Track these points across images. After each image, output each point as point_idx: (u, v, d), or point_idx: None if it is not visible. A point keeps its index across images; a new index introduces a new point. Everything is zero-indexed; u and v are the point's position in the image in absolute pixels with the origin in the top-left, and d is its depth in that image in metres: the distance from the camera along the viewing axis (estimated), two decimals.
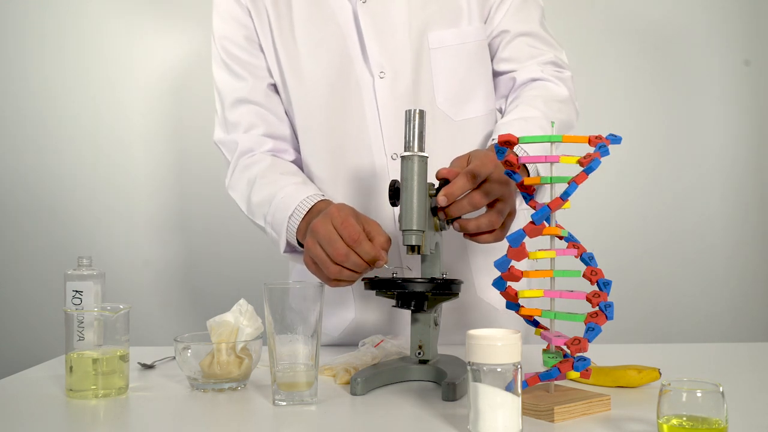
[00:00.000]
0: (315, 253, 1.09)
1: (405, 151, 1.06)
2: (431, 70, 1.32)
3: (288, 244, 1.25)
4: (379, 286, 1.06)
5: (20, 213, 2.33)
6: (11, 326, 2.33)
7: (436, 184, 1.08)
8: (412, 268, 1.21)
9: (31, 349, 2.07)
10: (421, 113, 1.06)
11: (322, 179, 1.35)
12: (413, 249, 1.06)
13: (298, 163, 1.40)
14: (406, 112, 1.07)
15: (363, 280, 1.08)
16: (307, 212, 1.21)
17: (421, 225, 1.04)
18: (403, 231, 1.05)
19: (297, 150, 1.41)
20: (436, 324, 1.10)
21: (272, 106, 1.38)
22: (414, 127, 1.06)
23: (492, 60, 1.39)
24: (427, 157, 1.06)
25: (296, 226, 1.21)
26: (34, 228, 2.33)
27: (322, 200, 1.23)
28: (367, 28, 1.30)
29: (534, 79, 1.35)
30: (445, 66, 1.32)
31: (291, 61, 1.34)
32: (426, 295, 1.05)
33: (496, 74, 1.40)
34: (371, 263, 1.07)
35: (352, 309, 1.39)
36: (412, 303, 1.05)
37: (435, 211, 1.08)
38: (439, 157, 1.17)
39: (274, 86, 1.39)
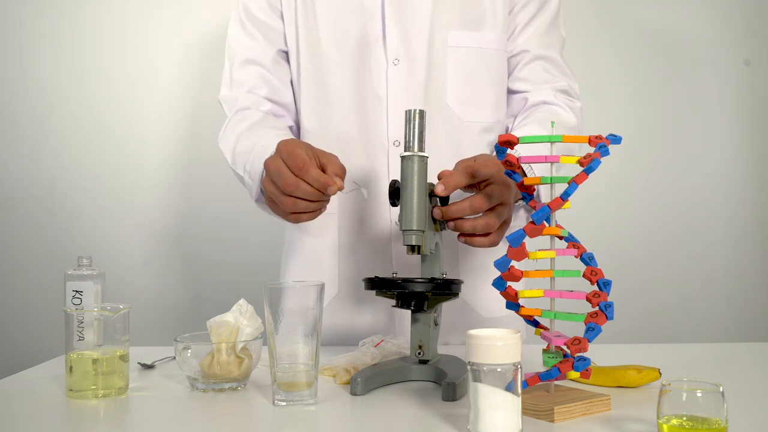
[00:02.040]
0: (269, 190, 1.09)
1: (405, 151, 1.06)
2: (445, 68, 1.33)
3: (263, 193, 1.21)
4: (379, 286, 1.06)
5: (20, 213, 2.33)
6: (11, 326, 2.32)
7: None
8: (366, 191, 1.16)
9: (30, 350, 2.07)
10: (421, 113, 1.06)
11: None
12: (413, 249, 1.05)
13: (294, 131, 1.41)
14: (405, 112, 1.07)
15: (363, 280, 1.08)
16: None
17: (421, 225, 1.04)
18: (403, 231, 1.05)
19: (294, 120, 1.42)
20: (436, 324, 1.09)
21: (278, 72, 1.40)
22: (414, 127, 1.06)
23: (508, 77, 1.40)
24: (427, 157, 1.06)
25: None
26: (35, 228, 2.33)
27: None
28: (391, 11, 1.31)
29: (546, 102, 1.37)
30: (460, 66, 1.33)
31: (310, 34, 1.35)
32: (426, 295, 1.05)
33: (509, 92, 1.42)
34: (322, 190, 1.05)
35: (345, 309, 1.39)
36: (412, 303, 1.05)
37: None
38: (442, 155, 1.17)
39: (286, 54, 1.40)
